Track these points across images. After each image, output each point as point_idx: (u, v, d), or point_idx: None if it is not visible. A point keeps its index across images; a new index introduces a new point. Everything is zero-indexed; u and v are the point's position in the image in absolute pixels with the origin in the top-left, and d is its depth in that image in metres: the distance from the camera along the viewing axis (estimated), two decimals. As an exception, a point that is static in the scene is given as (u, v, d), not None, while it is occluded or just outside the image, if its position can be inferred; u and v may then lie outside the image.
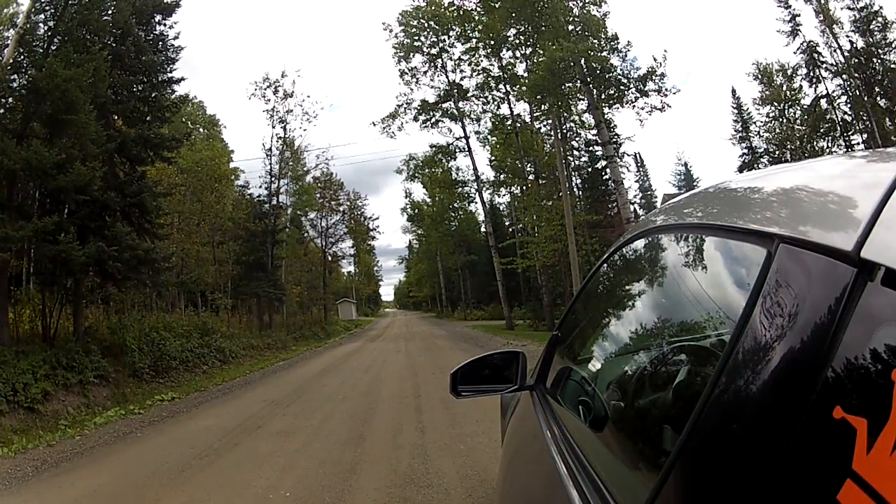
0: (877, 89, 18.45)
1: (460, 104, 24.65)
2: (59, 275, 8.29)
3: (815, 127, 20.06)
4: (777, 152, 21.44)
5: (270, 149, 21.91)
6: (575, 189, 23.76)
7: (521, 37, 19.33)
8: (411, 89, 25.63)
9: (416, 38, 24.40)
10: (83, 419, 6.85)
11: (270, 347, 16.75)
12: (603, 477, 0.87)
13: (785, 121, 21.35)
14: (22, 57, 9.05)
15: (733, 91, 24.09)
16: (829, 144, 20.00)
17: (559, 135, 19.68)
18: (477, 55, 22.97)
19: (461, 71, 24.37)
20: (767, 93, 21.85)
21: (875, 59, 18.40)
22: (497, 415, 2.77)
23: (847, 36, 18.73)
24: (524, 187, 23.36)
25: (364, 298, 60.22)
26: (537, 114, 22.20)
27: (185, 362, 11.07)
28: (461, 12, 21.82)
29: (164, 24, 11.45)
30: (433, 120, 25.24)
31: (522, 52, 20.68)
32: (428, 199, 35.78)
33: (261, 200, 21.65)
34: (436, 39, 24.12)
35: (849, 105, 19.45)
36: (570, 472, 0.99)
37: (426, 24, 23.95)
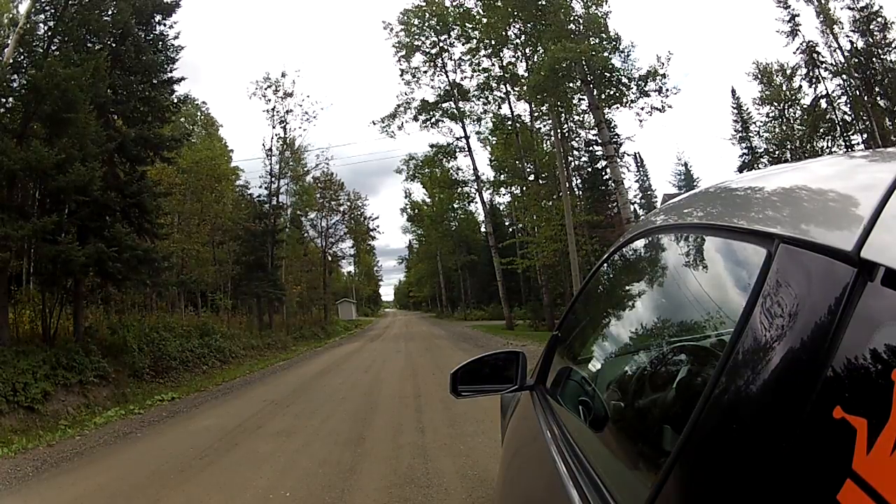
0: (877, 89, 18.47)
1: (460, 104, 24.70)
2: (59, 275, 8.29)
3: (815, 127, 20.07)
4: (777, 152, 21.45)
5: (270, 149, 21.96)
6: (575, 189, 23.75)
7: (523, 36, 19.34)
8: (412, 89, 25.69)
9: (417, 37, 24.42)
10: (83, 419, 6.84)
11: (270, 347, 16.75)
12: (603, 477, 0.87)
13: (785, 121, 21.36)
14: (22, 57, 9.05)
15: (733, 91, 24.15)
16: (829, 144, 20.02)
17: (559, 135, 19.68)
18: (478, 55, 23.00)
19: (461, 71, 24.42)
20: (767, 93, 21.86)
21: (875, 59, 18.41)
22: (497, 415, 2.77)
23: (847, 36, 18.77)
24: (524, 187, 23.36)
25: (364, 298, 60.23)
26: (537, 114, 22.22)
27: (185, 362, 11.07)
28: (462, 10, 21.82)
29: (164, 24, 11.47)
30: (433, 120, 25.29)
31: (523, 51, 20.71)
32: (428, 199, 35.83)
33: (261, 200, 21.69)
34: (436, 39, 24.15)
35: (849, 105, 19.46)
36: (570, 472, 0.99)
37: (427, 24, 23.97)
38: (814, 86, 20.01)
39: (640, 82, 16.52)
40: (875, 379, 0.39)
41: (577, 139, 23.30)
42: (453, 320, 35.01)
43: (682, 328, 0.90)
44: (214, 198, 19.40)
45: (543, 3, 16.42)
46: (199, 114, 25.18)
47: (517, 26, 18.88)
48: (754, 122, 23.19)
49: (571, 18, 16.48)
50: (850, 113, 19.57)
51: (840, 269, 0.46)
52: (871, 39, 18.32)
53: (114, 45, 10.02)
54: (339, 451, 4.78)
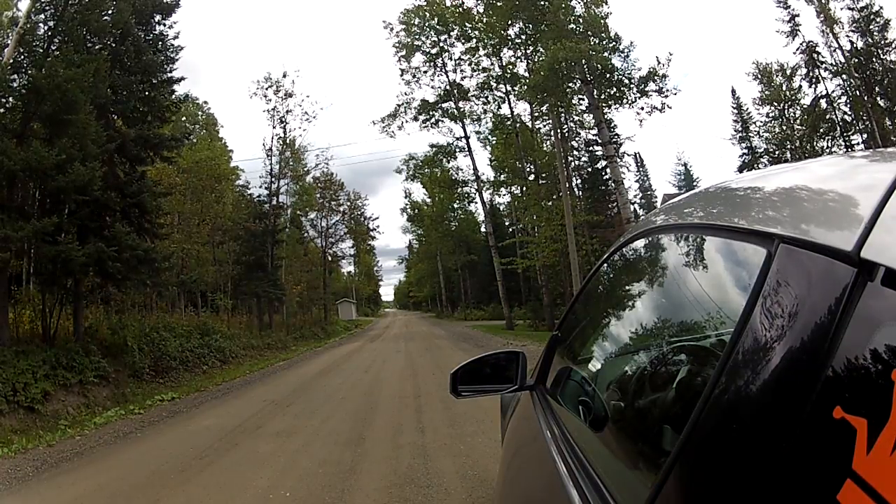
0: (877, 89, 18.46)
1: (460, 104, 24.70)
2: (59, 275, 8.28)
3: (815, 127, 20.07)
4: (777, 152, 21.45)
5: (271, 149, 21.96)
6: (575, 189, 23.76)
7: (523, 36, 19.35)
8: (412, 89, 25.74)
9: (417, 37, 24.43)
10: (83, 419, 6.84)
11: (270, 347, 16.75)
12: (603, 477, 0.87)
13: (785, 121, 21.36)
14: (22, 57, 9.04)
15: (733, 91, 24.16)
16: (829, 144, 20.02)
17: (559, 135, 19.69)
18: (477, 55, 23.01)
19: (461, 71, 24.43)
20: (767, 93, 21.87)
21: (875, 59, 18.41)
22: (497, 415, 2.77)
23: (847, 36, 18.77)
24: (524, 187, 23.36)
25: (364, 298, 60.24)
26: (537, 114, 22.23)
27: (185, 362, 11.07)
28: (462, 10, 21.82)
29: (164, 24, 11.47)
30: (433, 120, 25.30)
31: (524, 51, 20.71)
32: (428, 199, 35.84)
33: (261, 200, 21.69)
34: (436, 39, 24.15)
35: (849, 105, 19.46)
36: (570, 472, 0.99)
37: (427, 24, 23.96)
38: (814, 86, 20.03)
39: (640, 84, 16.53)
40: (875, 379, 0.39)
41: (577, 139, 23.34)
42: (453, 320, 35.01)
43: (682, 328, 0.90)
44: (214, 198, 19.41)
45: (545, 3, 16.42)
46: (200, 113, 25.21)
47: (518, 26, 18.89)
48: (754, 122, 23.22)
49: (571, 18, 16.49)
50: (850, 113, 19.57)
51: (840, 269, 0.46)
52: (870, 39, 18.32)
53: (114, 45, 10.02)
54: (340, 451, 4.78)
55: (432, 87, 25.56)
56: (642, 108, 16.92)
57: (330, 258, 30.54)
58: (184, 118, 20.28)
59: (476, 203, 30.22)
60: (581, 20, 16.63)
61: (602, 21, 16.77)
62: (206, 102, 26.58)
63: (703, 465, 0.58)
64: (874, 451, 0.36)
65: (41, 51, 9.03)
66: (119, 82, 10.03)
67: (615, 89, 16.91)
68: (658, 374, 0.93)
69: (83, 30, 9.30)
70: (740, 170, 22.34)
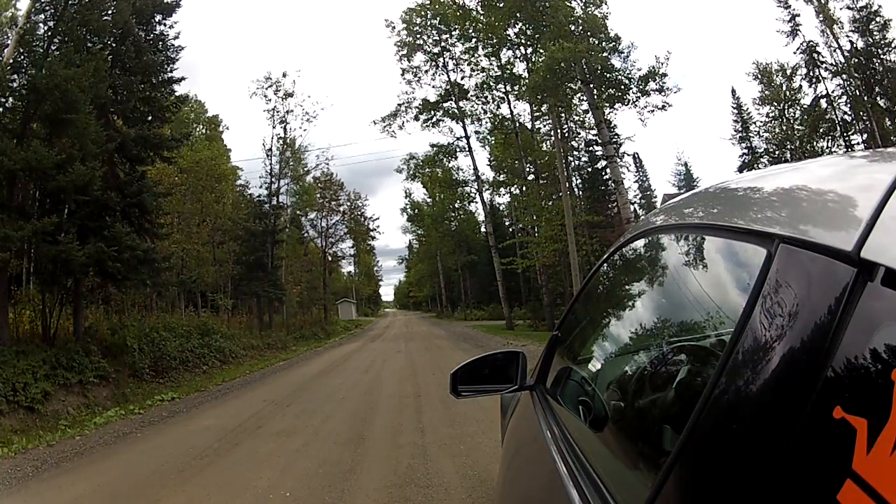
0: (877, 89, 18.46)
1: (461, 103, 24.69)
2: (59, 275, 8.29)
3: (815, 127, 20.08)
4: (777, 152, 21.45)
5: (271, 149, 21.93)
6: (575, 189, 23.78)
7: (523, 36, 19.35)
8: (413, 88, 25.72)
9: (419, 36, 24.42)
10: (83, 419, 6.84)
11: (270, 347, 16.75)
12: (603, 477, 0.87)
13: (785, 121, 21.36)
14: (22, 57, 9.04)
15: (733, 91, 24.15)
16: (829, 144, 20.02)
17: (559, 135, 19.69)
18: (476, 55, 23.00)
19: (461, 70, 24.43)
20: (767, 93, 21.87)
21: (875, 59, 18.41)
22: (497, 415, 2.78)
23: (847, 36, 18.78)
24: (524, 187, 23.37)
25: (364, 298, 60.22)
26: (537, 114, 22.23)
27: (185, 362, 11.06)
28: (462, 10, 21.80)
29: (164, 24, 11.46)
30: (434, 119, 25.28)
31: (523, 51, 20.72)
32: (428, 199, 35.86)
33: (261, 200, 21.66)
34: (438, 38, 24.14)
35: (849, 105, 19.46)
36: (570, 472, 0.99)
37: (429, 23, 23.96)
38: (814, 86, 20.04)
39: (640, 83, 16.53)
40: (875, 379, 0.39)
41: (577, 139, 23.35)
42: (453, 320, 34.99)
43: (682, 328, 0.90)
44: (214, 198, 19.42)
45: (545, 4, 16.42)
46: (196, 110, 25.18)
47: (518, 26, 18.89)
48: (754, 122, 23.22)
49: (571, 19, 16.48)
50: (850, 113, 19.57)
51: (840, 269, 0.46)
52: (871, 39, 18.33)
53: (114, 45, 10.02)
54: (340, 451, 4.78)
55: (433, 87, 25.60)
56: (644, 107, 16.95)
57: (330, 258, 30.56)
58: (185, 118, 20.27)
59: (476, 203, 30.31)
60: (580, 21, 16.62)
61: (601, 21, 16.77)
62: (204, 102, 26.61)
63: (703, 465, 0.58)
64: (874, 451, 0.36)
65: (41, 51, 9.02)
66: (119, 82, 10.03)
67: (615, 89, 16.91)
68: (658, 374, 0.93)
69: (83, 30, 9.29)
70: (740, 170, 22.34)
